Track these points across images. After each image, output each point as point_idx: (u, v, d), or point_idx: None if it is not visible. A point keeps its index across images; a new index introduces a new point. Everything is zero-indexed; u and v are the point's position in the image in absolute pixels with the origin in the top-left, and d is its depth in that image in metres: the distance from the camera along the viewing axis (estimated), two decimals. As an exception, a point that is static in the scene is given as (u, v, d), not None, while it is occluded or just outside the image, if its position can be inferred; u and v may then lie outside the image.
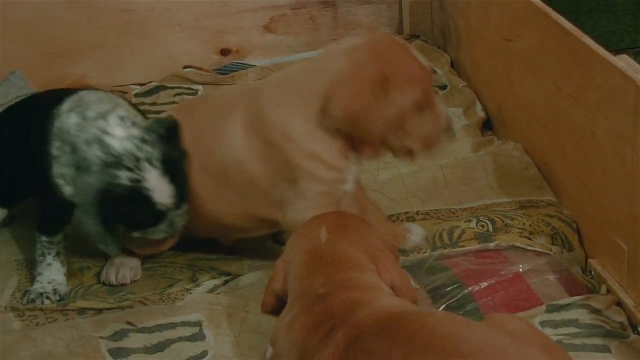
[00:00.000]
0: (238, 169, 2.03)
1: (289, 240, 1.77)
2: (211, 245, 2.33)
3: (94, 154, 1.97)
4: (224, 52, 3.22)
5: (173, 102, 2.90)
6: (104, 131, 1.99)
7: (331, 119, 1.89)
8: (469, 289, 1.95)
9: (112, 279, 2.22)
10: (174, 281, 2.16)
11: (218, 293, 2.06)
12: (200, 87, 3.01)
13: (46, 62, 3.00)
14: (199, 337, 1.93)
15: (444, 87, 2.92)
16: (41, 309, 2.03)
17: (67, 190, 2.05)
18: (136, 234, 2.08)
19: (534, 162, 2.42)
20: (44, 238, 2.17)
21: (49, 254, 2.18)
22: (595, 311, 1.91)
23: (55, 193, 2.06)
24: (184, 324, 1.95)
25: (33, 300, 2.12)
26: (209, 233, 2.24)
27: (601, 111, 1.95)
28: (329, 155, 1.94)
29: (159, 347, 1.90)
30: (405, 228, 2.19)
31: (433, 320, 1.41)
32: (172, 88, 3.00)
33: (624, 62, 1.87)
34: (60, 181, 2.05)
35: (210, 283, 2.12)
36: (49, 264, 2.18)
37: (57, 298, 2.13)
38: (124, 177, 1.96)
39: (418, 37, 3.22)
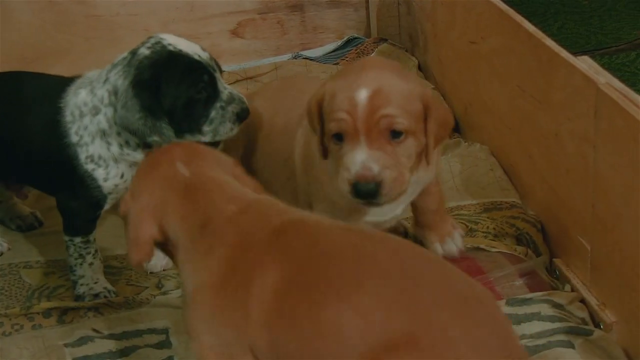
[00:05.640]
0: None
1: (134, 183, 1.62)
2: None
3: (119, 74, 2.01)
4: (192, 57, 3.21)
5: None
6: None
7: None
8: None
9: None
10: (140, 289, 2.15)
11: (181, 296, 2.04)
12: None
13: (14, 68, 2.95)
14: (165, 344, 1.92)
15: (411, 90, 2.93)
16: (5, 315, 2.01)
17: (99, 173, 2.05)
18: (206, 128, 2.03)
19: (500, 164, 2.43)
20: (78, 239, 2.11)
21: (88, 253, 2.12)
22: (557, 305, 1.92)
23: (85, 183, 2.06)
24: (150, 331, 1.95)
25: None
26: None
27: (564, 112, 1.96)
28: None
29: (124, 352, 1.90)
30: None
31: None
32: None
33: (585, 63, 1.88)
34: (89, 166, 2.05)
35: (177, 292, 2.09)
36: (91, 264, 2.13)
37: (113, 296, 2.10)
38: (143, 51, 2.00)
39: (386, 40, 3.23)
